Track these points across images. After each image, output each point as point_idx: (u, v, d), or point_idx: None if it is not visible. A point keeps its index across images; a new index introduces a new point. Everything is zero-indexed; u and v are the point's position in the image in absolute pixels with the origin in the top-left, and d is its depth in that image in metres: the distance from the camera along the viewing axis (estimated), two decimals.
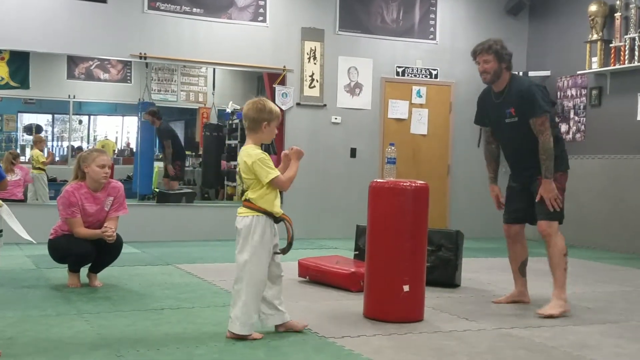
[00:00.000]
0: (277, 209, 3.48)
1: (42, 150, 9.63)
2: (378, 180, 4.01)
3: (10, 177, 7.89)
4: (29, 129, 11.34)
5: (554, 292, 4.17)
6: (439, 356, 3.19)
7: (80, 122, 11.83)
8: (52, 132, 11.50)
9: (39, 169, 8.96)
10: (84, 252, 4.63)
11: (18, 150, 11.31)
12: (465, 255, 5.27)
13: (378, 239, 3.88)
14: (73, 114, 11.12)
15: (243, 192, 3.50)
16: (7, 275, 4.97)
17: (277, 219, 3.49)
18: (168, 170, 9.33)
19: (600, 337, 3.66)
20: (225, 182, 9.91)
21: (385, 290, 3.83)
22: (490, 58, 4.19)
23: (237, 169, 3.48)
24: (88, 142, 11.77)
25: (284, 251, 3.55)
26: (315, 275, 5.03)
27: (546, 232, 4.15)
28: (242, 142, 9.40)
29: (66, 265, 4.74)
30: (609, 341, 3.57)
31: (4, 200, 7.98)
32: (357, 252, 5.35)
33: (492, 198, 4.52)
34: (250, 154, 3.43)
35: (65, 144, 11.19)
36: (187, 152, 10.63)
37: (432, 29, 8.86)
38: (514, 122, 4.20)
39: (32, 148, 10.03)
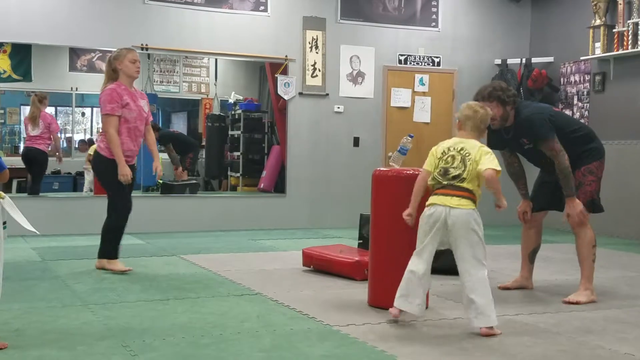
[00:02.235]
0: None
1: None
2: (381, 169, 4.01)
3: (32, 131, 7.89)
4: None
5: (581, 283, 4.19)
6: (444, 343, 3.20)
7: (83, 114, 11.83)
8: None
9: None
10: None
11: (21, 144, 11.33)
12: None
13: (382, 228, 3.89)
14: (76, 107, 11.12)
15: (455, 177, 3.38)
16: (12, 267, 5.00)
17: None
18: (176, 174, 9.32)
19: (604, 322, 3.67)
20: (229, 173, 9.92)
21: (389, 279, 3.83)
22: (493, 105, 4.06)
23: (461, 154, 3.39)
24: (91, 134, 11.78)
25: None
26: (319, 265, 5.04)
27: (576, 224, 4.15)
28: (245, 132, 9.41)
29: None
30: (613, 326, 3.58)
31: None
32: (361, 241, 5.35)
33: (518, 211, 4.47)
34: (482, 144, 3.46)
35: (68, 136, 11.19)
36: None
37: (434, 17, 8.83)
38: (532, 147, 4.20)
39: None
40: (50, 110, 11.51)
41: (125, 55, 4.86)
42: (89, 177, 8.89)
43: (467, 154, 3.41)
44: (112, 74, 4.88)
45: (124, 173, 4.78)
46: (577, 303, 4.05)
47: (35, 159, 8.00)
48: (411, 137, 4.13)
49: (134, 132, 4.89)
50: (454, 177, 3.38)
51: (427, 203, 3.47)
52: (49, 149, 8.19)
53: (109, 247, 4.96)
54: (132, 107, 4.84)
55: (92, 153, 8.95)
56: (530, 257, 4.52)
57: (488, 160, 3.36)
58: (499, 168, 3.37)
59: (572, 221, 4.12)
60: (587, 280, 4.18)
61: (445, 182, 3.40)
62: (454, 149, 3.45)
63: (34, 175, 8.08)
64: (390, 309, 3.52)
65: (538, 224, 4.50)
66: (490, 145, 4.39)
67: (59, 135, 8.10)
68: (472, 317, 3.33)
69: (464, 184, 3.37)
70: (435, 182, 3.46)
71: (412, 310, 3.46)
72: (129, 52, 4.93)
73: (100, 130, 4.98)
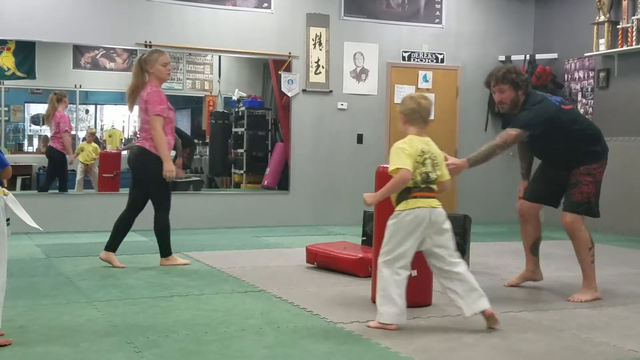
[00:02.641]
0: None
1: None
2: (385, 166, 4.00)
3: (50, 131, 7.93)
4: (36, 119, 11.37)
5: (584, 283, 4.17)
6: (448, 340, 3.20)
7: (87, 111, 11.86)
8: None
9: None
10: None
11: (25, 141, 11.36)
12: (473, 239, 5.26)
13: (385, 225, 3.88)
14: (79, 104, 11.14)
15: (428, 177, 3.39)
16: (17, 264, 5.01)
17: None
18: (176, 164, 9.30)
19: (608, 319, 3.66)
20: (232, 170, 9.92)
21: None
22: (506, 87, 4.02)
23: (429, 156, 3.41)
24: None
25: None
26: (323, 261, 5.04)
27: (569, 226, 4.11)
28: (249, 129, 9.41)
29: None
30: (617, 323, 3.57)
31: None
32: (364, 238, 5.35)
33: (519, 189, 4.49)
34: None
35: (73, 133, 11.20)
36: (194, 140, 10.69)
37: (437, 13, 8.81)
38: (535, 135, 4.07)
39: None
40: None
41: (157, 59, 4.93)
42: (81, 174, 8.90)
43: (434, 158, 3.44)
44: (141, 74, 4.94)
45: (171, 169, 4.93)
46: (581, 301, 4.03)
47: (50, 158, 8.09)
48: None
49: (171, 132, 5.05)
50: (432, 181, 3.42)
51: (405, 207, 3.35)
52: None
53: (168, 243, 5.14)
54: (170, 107, 5.02)
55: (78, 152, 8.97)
56: (532, 249, 4.47)
57: (443, 170, 3.48)
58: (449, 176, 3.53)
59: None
60: (589, 279, 4.15)
61: (423, 186, 3.39)
62: (427, 151, 3.42)
63: (51, 172, 8.13)
64: (388, 326, 3.32)
65: (534, 217, 4.41)
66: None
67: (69, 133, 8.06)
68: (472, 301, 3.34)
69: (434, 186, 3.44)
70: (414, 184, 3.37)
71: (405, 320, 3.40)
72: (160, 55, 4.99)
73: (139, 130, 5.05)
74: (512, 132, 3.99)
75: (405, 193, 3.37)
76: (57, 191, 7.93)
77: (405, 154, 3.36)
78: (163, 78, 5.01)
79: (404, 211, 3.36)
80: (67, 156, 7.99)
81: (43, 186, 8.14)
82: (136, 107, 5.09)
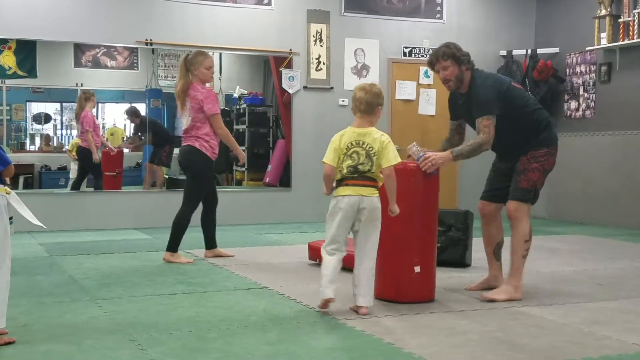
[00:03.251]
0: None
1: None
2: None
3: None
4: (37, 118, 11.37)
5: (507, 279, 4.01)
6: (451, 335, 3.20)
7: None
8: (61, 120, 11.51)
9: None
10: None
11: (27, 140, 11.36)
12: (475, 235, 5.25)
13: (388, 221, 3.87)
14: None
15: (356, 169, 3.50)
16: (20, 263, 5.02)
17: None
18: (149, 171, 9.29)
19: (611, 313, 3.66)
20: (234, 167, 9.92)
21: (396, 272, 3.84)
22: (448, 64, 3.95)
23: (356, 147, 3.51)
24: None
25: None
26: None
27: (513, 215, 3.98)
28: (250, 126, 9.41)
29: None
30: (620, 317, 3.57)
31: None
32: None
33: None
34: (383, 134, 3.55)
35: (74, 132, 11.20)
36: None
37: (438, 8, 8.79)
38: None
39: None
40: (55, 106, 11.58)
41: (202, 62, 5.11)
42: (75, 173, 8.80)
43: (371, 148, 3.49)
44: (187, 75, 5.12)
45: (243, 155, 5.57)
46: (493, 300, 3.84)
47: (79, 158, 8.20)
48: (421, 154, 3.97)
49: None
50: (362, 172, 3.49)
51: (336, 193, 3.55)
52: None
53: (179, 240, 5.24)
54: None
55: (71, 149, 8.94)
56: (495, 253, 4.26)
57: (387, 157, 3.49)
58: (397, 160, 3.52)
59: (429, 161, 3.80)
60: (515, 276, 3.96)
61: (355, 175, 3.48)
62: (357, 143, 3.51)
63: (81, 171, 8.18)
64: (322, 303, 3.56)
65: (496, 217, 4.25)
66: (452, 117, 4.28)
67: (91, 132, 8.09)
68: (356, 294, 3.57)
69: (371, 175, 3.51)
70: (341, 176, 3.54)
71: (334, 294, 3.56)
72: (205, 58, 5.17)
73: (189, 128, 5.15)
74: (486, 122, 3.90)
75: (339, 182, 3.56)
76: (92, 189, 8.04)
77: (331, 148, 3.60)
78: (207, 80, 5.21)
79: (335, 198, 3.56)
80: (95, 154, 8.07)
81: (74, 185, 8.16)
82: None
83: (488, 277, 4.29)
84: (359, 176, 3.51)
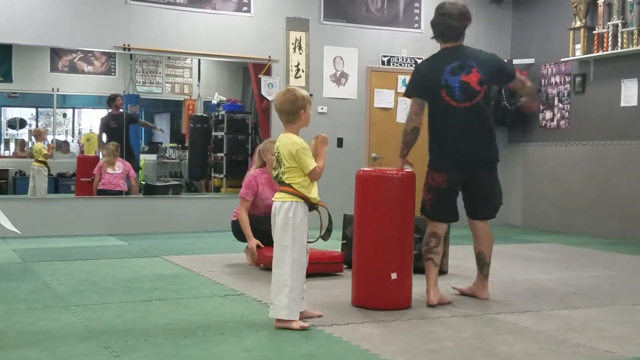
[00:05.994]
0: (314, 195, 3.55)
1: (43, 143, 9.41)
2: (365, 169, 4.03)
3: (111, 171, 8.16)
4: (12, 123, 11.24)
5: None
6: (427, 342, 3.21)
7: (65, 115, 11.73)
8: (37, 125, 11.38)
9: (41, 162, 8.65)
10: (265, 230, 4.79)
11: (2, 146, 11.22)
12: (452, 242, 5.30)
13: (365, 228, 3.90)
14: (57, 108, 11.02)
15: (277, 176, 3.56)
16: None
17: (312, 206, 3.56)
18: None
19: (585, 320, 3.70)
20: (212, 174, 9.88)
21: (373, 279, 3.85)
22: None
23: (276, 154, 3.54)
24: (73, 136, 11.68)
25: (325, 237, 3.67)
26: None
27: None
28: (229, 133, 9.40)
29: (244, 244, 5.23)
30: (593, 324, 3.61)
31: (108, 192, 8.07)
32: (344, 241, 5.36)
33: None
34: (295, 141, 3.49)
35: (50, 137, 11.08)
36: (171, 145, 10.83)
37: (416, 18, 8.86)
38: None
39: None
40: (31, 111, 11.45)
41: (269, 149, 5.11)
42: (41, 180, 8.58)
43: (279, 154, 3.53)
44: (261, 162, 5.38)
45: (253, 245, 5.31)
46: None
47: None
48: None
49: (268, 213, 5.31)
50: (277, 177, 3.54)
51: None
52: None
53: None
54: (267, 195, 5.26)
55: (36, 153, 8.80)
56: (477, 264, 4.28)
57: (305, 165, 3.45)
58: (312, 166, 3.46)
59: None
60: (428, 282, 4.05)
61: (281, 181, 3.54)
62: (276, 150, 3.56)
63: None
64: (302, 324, 3.41)
65: (474, 227, 4.26)
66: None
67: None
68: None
69: (284, 179, 3.51)
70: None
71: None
72: (272, 145, 4.95)
73: None
74: (413, 103, 4.12)
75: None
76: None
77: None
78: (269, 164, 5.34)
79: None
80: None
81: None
82: None
83: (472, 285, 4.34)
84: (278, 182, 3.57)
